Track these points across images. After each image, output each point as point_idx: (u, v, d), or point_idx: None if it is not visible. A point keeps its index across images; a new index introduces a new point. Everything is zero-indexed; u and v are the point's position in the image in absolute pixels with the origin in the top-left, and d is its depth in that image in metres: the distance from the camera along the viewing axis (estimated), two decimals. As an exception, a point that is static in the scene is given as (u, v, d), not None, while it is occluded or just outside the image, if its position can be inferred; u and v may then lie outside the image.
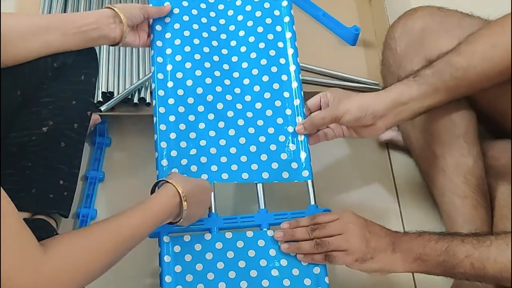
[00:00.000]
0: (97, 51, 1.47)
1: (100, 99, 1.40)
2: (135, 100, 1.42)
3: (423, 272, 1.09)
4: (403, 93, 1.15)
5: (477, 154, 1.28)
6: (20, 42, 1.05)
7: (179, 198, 1.01)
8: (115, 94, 1.42)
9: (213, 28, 1.25)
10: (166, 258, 1.07)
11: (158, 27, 1.22)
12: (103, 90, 1.41)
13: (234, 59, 1.23)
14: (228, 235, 1.10)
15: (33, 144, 1.13)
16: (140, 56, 1.50)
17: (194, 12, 1.25)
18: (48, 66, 1.12)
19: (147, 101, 1.42)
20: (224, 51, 1.23)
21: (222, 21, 1.26)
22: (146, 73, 1.46)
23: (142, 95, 1.43)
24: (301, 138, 1.17)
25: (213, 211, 1.13)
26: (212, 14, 1.26)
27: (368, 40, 1.62)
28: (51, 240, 0.83)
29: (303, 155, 1.17)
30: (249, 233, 1.10)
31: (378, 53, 1.54)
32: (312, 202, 1.16)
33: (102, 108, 1.39)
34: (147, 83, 1.45)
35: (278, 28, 1.25)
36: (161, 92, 1.17)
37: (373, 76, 1.53)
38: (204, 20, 1.25)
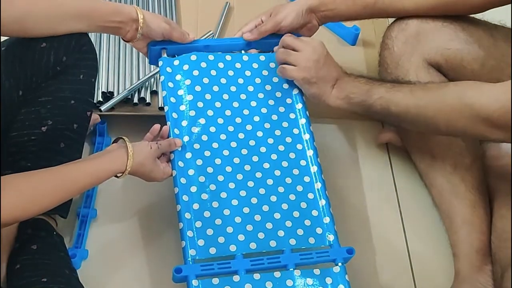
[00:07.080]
0: (97, 51, 1.48)
1: (100, 99, 1.40)
2: (135, 100, 1.42)
3: (348, 110, 1.24)
4: None
5: (475, 154, 1.28)
6: (47, 25, 1.09)
7: (124, 170, 1.10)
8: (115, 94, 1.42)
9: (225, 96, 1.27)
10: None
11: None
12: (103, 90, 1.42)
13: (249, 127, 1.25)
14: (256, 276, 1.11)
15: (32, 144, 1.13)
16: (140, 56, 1.50)
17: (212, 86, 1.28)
18: (49, 66, 1.12)
19: (147, 101, 1.42)
20: (238, 120, 1.26)
21: (233, 88, 1.29)
22: (146, 73, 1.46)
23: (142, 95, 1.43)
24: (322, 203, 1.19)
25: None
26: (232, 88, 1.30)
27: (368, 40, 1.62)
28: (4, 178, 0.93)
29: (326, 220, 1.18)
30: (277, 274, 1.11)
31: (378, 52, 1.54)
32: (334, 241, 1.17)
33: (102, 108, 1.39)
34: (147, 83, 1.45)
35: (289, 101, 1.28)
36: (180, 163, 1.19)
37: (373, 75, 1.53)
38: (225, 95, 1.28)
